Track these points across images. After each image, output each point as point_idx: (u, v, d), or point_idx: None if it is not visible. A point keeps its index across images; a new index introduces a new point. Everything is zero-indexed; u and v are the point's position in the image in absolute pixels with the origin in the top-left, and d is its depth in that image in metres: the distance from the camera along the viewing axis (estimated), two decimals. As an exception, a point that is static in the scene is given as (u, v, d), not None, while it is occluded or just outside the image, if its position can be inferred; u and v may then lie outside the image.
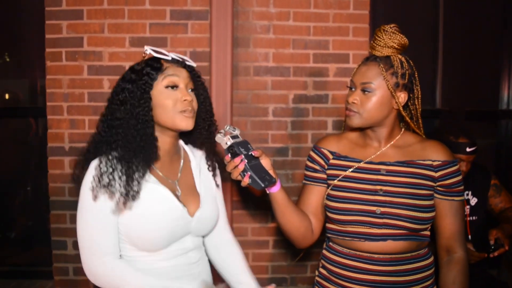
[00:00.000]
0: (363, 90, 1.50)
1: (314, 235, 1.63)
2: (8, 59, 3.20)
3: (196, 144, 1.63)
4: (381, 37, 1.53)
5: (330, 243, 1.64)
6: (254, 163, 1.39)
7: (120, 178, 1.33)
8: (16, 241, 3.25)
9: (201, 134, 1.58)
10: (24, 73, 3.11)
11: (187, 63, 1.51)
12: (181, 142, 1.61)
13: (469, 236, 2.49)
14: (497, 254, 2.37)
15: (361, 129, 1.62)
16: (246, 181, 1.38)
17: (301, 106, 2.58)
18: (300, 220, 1.56)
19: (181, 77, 1.43)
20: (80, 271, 2.56)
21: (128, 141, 1.35)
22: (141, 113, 1.37)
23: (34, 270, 2.96)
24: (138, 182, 1.34)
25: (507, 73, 2.98)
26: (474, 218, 2.52)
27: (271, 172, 1.43)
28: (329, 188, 1.58)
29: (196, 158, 1.60)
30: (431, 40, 2.93)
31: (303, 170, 1.71)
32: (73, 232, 2.54)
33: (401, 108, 1.53)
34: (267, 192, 1.49)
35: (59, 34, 2.48)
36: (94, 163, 1.36)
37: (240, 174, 1.39)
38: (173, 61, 1.47)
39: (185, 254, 1.48)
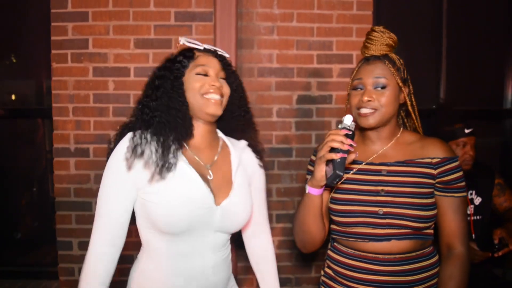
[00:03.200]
0: (376, 87, 1.51)
1: (325, 236, 1.64)
2: (14, 61, 3.22)
3: (237, 134, 1.63)
4: (376, 36, 1.55)
5: (335, 244, 1.65)
6: (342, 160, 1.36)
7: (156, 150, 1.36)
8: (22, 241, 3.27)
9: (239, 121, 1.60)
10: (31, 74, 3.14)
11: (219, 52, 1.55)
12: (220, 134, 1.61)
13: (473, 236, 2.49)
14: (502, 253, 2.37)
15: (363, 131, 1.62)
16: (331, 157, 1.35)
17: (305, 107, 2.59)
18: (322, 227, 1.57)
19: (211, 66, 1.47)
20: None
21: (164, 118, 1.39)
22: (175, 95, 1.42)
23: (40, 270, 2.98)
24: (174, 155, 1.37)
25: (511, 72, 2.98)
26: (478, 217, 2.52)
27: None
28: (332, 191, 1.58)
29: (237, 150, 1.58)
30: (434, 40, 2.93)
31: (307, 171, 1.72)
32: (78, 233, 2.57)
33: (408, 102, 1.55)
34: (307, 192, 1.48)
35: (65, 36, 2.50)
36: (128, 135, 1.39)
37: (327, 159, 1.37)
38: (205, 50, 1.51)
39: (202, 253, 1.45)
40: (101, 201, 1.39)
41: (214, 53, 1.52)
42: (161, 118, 1.39)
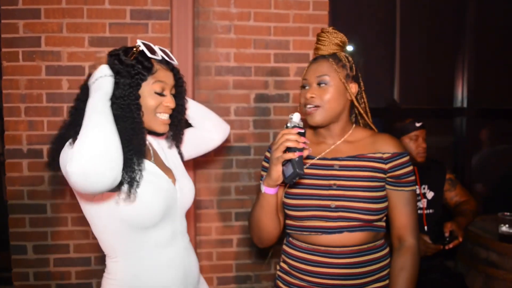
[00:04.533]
0: (319, 84, 1.56)
1: (281, 230, 1.67)
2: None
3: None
4: (324, 37, 1.62)
5: (290, 239, 1.68)
6: (300, 158, 1.38)
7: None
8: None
9: (171, 130, 1.59)
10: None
11: (174, 63, 1.51)
12: None
13: (426, 229, 2.57)
14: (452, 246, 2.46)
15: (315, 128, 1.66)
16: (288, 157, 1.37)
17: (262, 105, 2.61)
18: (278, 223, 1.61)
19: (168, 83, 1.44)
20: (40, 275, 2.51)
21: (126, 138, 1.31)
22: (136, 114, 1.35)
23: (-7, 276, 2.89)
24: (138, 172, 1.34)
25: (461, 71, 3.09)
26: (430, 211, 2.61)
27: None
28: (286, 186, 1.61)
29: (154, 140, 1.61)
30: (388, 40, 3.01)
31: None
32: (33, 236, 2.50)
33: (354, 99, 1.60)
34: (263, 192, 1.51)
35: (16, 34, 2.42)
36: None
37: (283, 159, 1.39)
38: (163, 61, 1.46)
39: (175, 238, 1.49)
40: None
41: (170, 66, 1.48)
42: (122, 136, 1.29)
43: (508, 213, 2.55)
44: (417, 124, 2.51)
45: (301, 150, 1.36)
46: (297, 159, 1.35)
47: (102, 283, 1.46)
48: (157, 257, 1.44)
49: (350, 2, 3.07)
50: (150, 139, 1.60)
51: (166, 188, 1.45)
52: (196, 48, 2.53)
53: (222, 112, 2.56)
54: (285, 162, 1.39)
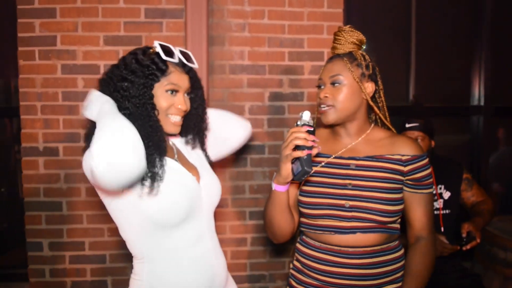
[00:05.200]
0: (333, 84, 1.55)
1: (296, 227, 1.67)
2: (-20, 59, 3.14)
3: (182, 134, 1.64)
4: (340, 36, 1.60)
5: (303, 237, 1.68)
6: (309, 156, 1.38)
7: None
8: (-9, 243, 3.20)
9: (189, 135, 1.60)
10: (-3, 72, 3.07)
11: (190, 65, 1.51)
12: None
13: (442, 229, 2.54)
14: (470, 247, 2.43)
15: (332, 127, 1.65)
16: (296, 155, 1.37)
17: (277, 104, 2.60)
18: (291, 220, 1.60)
19: (182, 86, 1.45)
20: (56, 272, 2.53)
21: (144, 136, 1.33)
22: (152, 113, 1.38)
23: (10, 273, 2.91)
24: (160, 167, 1.37)
25: (477, 69, 3.04)
26: (447, 211, 2.57)
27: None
28: (301, 184, 1.60)
29: (179, 144, 1.62)
30: (404, 38, 2.98)
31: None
32: (48, 233, 2.52)
33: (369, 99, 1.58)
34: (274, 189, 1.50)
35: (32, 33, 2.45)
36: None
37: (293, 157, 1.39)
38: (179, 63, 1.46)
39: (201, 238, 1.49)
40: None
41: (187, 69, 1.49)
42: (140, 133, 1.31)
43: (527, 213, 2.51)
44: (407, 125, 2.47)
45: (310, 148, 1.35)
46: (305, 157, 1.35)
47: (130, 283, 1.48)
48: (183, 257, 1.43)
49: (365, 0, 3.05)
50: (173, 139, 1.61)
51: (190, 184, 1.46)
52: (210, 46, 2.53)
53: (236, 111, 2.55)
54: (294, 160, 1.39)
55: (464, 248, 2.41)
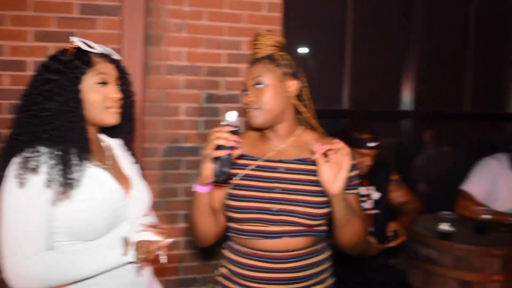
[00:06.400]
0: (256, 86, 1.55)
1: (222, 231, 1.64)
2: None
3: (115, 136, 1.60)
4: (259, 40, 1.61)
5: (230, 242, 1.66)
6: (229, 157, 1.37)
7: (55, 167, 1.29)
8: None
9: (123, 129, 1.56)
10: None
11: (114, 57, 1.49)
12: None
13: (372, 229, 2.64)
14: (395, 244, 2.55)
15: (261, 130, 1.65)
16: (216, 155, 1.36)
17: (213, 106, 2.61)
18: (214, 223, 1.57)
19: (111, 74, 1.42)
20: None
21: (63, 133, 1.31)
22: (74, 107, 1.34)
23: None
24: (77, 170, 1.32)
25: (408, 76, 3.20)
26: (377, 211, 2.68)
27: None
28: (229, 187, 1.59)
29: (115, 145, 1.59)
30: (340, 43, 3.08)
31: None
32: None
33: (293, 97, 1.58)
34: (195, 190, 1.48)
35: (-46, 26, 2.31)
36: (17, 159, 1.29)
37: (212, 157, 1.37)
38: (102, 55, 1.43)
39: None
40: (10, 231, 1.29)
41: (110, 59, 1.46)
42: (60, 134, 1.30)
43: (448, 212, 2.68)
44: (369, 144, 2.51)
45: (231, 148, 1.35)
46: (226, 157, 1.35)
47: None
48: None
49: (303, 5, 3.11)
50: (111, 142, 1.57)
51: (114, 197, 1.41)
52: (147, 46, 2.49)
53: (171, 112, 2.54)
54: (216, 161, 1.37)
55: (390, 245, 2.53)
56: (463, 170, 3.14)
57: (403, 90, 3.22)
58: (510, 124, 3.63)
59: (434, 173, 3.51)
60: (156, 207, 2.53)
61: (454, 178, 3.16)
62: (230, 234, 1.64)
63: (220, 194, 1.61)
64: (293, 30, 2.77)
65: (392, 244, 2.53)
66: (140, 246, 1.36)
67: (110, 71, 1.43)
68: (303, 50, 3.10)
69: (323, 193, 1.50)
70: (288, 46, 2.80)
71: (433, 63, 3.39)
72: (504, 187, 3.00)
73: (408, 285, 2.56)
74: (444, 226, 2.60)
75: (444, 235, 2.59)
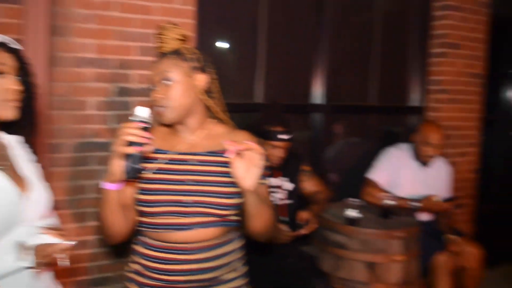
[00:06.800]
0: (163, 82, 1.54)
1: (132, 227, 1.62)
2: None
3: (13, 132, 1.51)
4: (164, 34, 1.59)
5: (142, 237, 1.65)
6: (140, 153, 1.34)
7: None
8: None
9: (23, 124, 1.48)
10: None
11: (13, 46, 1.40)
12: None
13: (286, 218, 2.75)
14: (307, 232, 2.67)
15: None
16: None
17: (124, 100, 2.55)
18: (124, 220, 1.55)
19: (9, 65, 1.34)
20: None
21: None
22: None
23: None
24: None
25: (319, 70, 3.33)
26: (289, 201, 2.79)
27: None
28: (141, 181, 1.58)
29: (14, 143, 1.50)
30: (253, 38, 3.13)
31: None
32: None
33: (202, 92, 1.60)
34: (104, 187, 1.45)
35: None
36: None
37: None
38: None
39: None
40: None
41: (8, 48, 1.38)
42: None
43: (355, 199, 2.85)
44: (280, 136, 2.57)
45: (141, 145, 1.34)
46: (136, 154, 1.33)
47: None
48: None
49: (217, -2, 3.13)
50: (9, 139, 1.48)
51: (8, 199, 1.35)
52: (53, 37, 2.38)
53: (80, 106, 2.44)
54: (126, 157, 1.35)
55: (301, 233, 2.65)
56: (370, 160, 3.35)
57: (315, 84, 3.35)
58: (411, 116, 3.91)
59: (343, 164, 3.70)
60: (63, 206, 2.46)
61: (362, 168, 3.36)
62: (141, 228, 1.63)
63: (130, 190, 1.59)
64: (207, 23, 2.76)
65: (303, 231, 2.65)
66: (38, 250, 1.31)
67: (7, 61, 1.35)
68: (217, 44, 3.12)
69: (235, 184, 1.52)
70: (202, 40, 2.84)
71: (343, 58, 3.56)
72: (405, 175, 3.25)
73: (319, 269, 2.70)
74: (351, 213, 2.77)
75: (351, 221, 2.76)
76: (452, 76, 3.77)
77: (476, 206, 4.12)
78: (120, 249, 2.58)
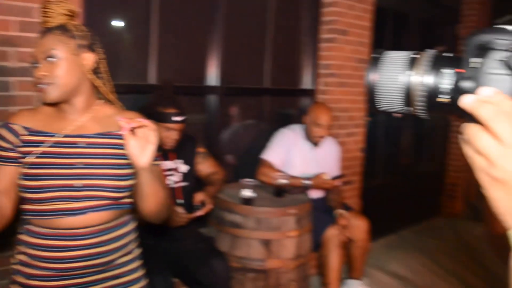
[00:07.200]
0: (48, 60, 1.47)
1: (7, 216, 1.52)
2: None
3: None
4: (50, 8, 1.52)
5: (28, 226, 1.56)
6: None
7: None
8: None
9: None
10: None
11: None
12: None
13: (182, 201, 2.74)
14: (203, 213, 2.70)
15: (56, 103, 1.58)
16: None
17: (3, 80, 2.33)
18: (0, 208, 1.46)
19: None
20: None
21: None
22: None
23: None
24: None
25: (214, 52, 3.33)
26: (184, 184, 2.79)
27: None
28: (24, 166, 1.49)
29: None
30: (146, 17, 3.02)
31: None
32: None
33: (89, 71, 1.55)
34: None
35: None
36: None
37: None
38: None
39: None
40: None
41: None
42: None
43: (250, 179, 2.93)
44: (175, 118, 2.54)
45: None
46: None
47: None
48: None
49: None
50: None
51: None
52: None
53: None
54: None
55: (198, 214, 2.67)
56: (265, 141, 3.45)
57: (209, 66, 3.34)
58: (303, 98, 4.08)
59: (239, 145, 3.77)
60: None
61: (257, 149, 3.45)
62: (27, 216, 1.54)
63: (6, 176, 1.50)
64: (96, 4, 2.62)
65: (199, 213, 2.68)
66: None
67: None
68: (107, 21, 2.97)
69: (128, 166, 1.54)
70: (90, 17, 2.69)
71: (238, 41, 3.59)
72: (298, 155, 3.40)
73: (216, 249, 2.74)
74: (246, 192, 2.84)
75: (246, 201, 2.84)
76: (340, 61, 3.98)
77: (362, 182, 4.44)
78: (2, 242, 2.39)
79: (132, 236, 1.67)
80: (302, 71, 4.08)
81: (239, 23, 3.61)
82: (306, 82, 4.09)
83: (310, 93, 4.06)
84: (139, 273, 1.71)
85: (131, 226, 1.68)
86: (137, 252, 1.72)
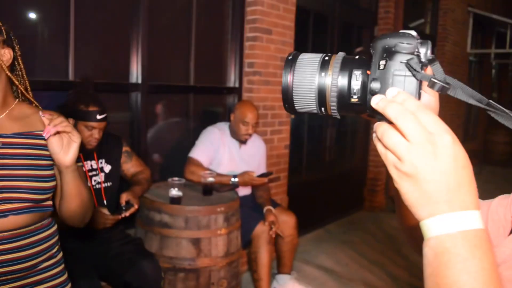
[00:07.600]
0: None
1: None
2: None
3: None
4: None
5: None
6: None
7: None
8: None
9: None
10: None
11: None
12: None
13: (105, 202, 2.63)
14: (129, 214, 2.61)
15: None
16: None
17: None
18: None
19: None
20: None
21: None
22: None
23: None
24: None
25: (135, 48, 3.22)
26: (109, 184, 2.68)
27: None
28: None
29: None
30: (63, 13, 2.86)
31: None
32: None
33: (5, 68, 1.46)
34: None
35: None
36: None
37: None
38: None
39: None
40: None
41: None
42: None
43: (177, 178, 2.87)
44: (98, 117, 2.43)
45: None
46: None
47: None
48: None
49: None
50: None
51: None
52: None
53: None
54: None
55: (123, 215, 2.57)
56: (192, 139, 3.41)
57: (132, 63, 3.23)
58: (229, 96, 4.08)
59: (166, 144, 3.69)
60: None
61: (185, 147, 3.40)
62: None
63: None
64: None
65: (125, 213, 2.58)
66: None
67: None
68: (22, 14, 2.78)
69: (50, 167, 1.48)
70: (5, 10, 2.50)
71: (162, 38, 3.51)
72: (225, 152, 3.39)
73: (145, 250, 2.66)
74: (174, 191, 2.78)
75: (174, 200, 2.78)
76: (264, 60, 4.03)
77: (288, 179, 4.52)
78: None
79: (54, 239, 1.59)
80: (228, 69, 4.08)
81: (163, 19, 3.53)
82: (232, 80, 4.09)
83: (236, 91, 4.07)
84: (63, 277, 1.62)
85: (52, 229, 1.59)
86: (59, 256, 1.63)
